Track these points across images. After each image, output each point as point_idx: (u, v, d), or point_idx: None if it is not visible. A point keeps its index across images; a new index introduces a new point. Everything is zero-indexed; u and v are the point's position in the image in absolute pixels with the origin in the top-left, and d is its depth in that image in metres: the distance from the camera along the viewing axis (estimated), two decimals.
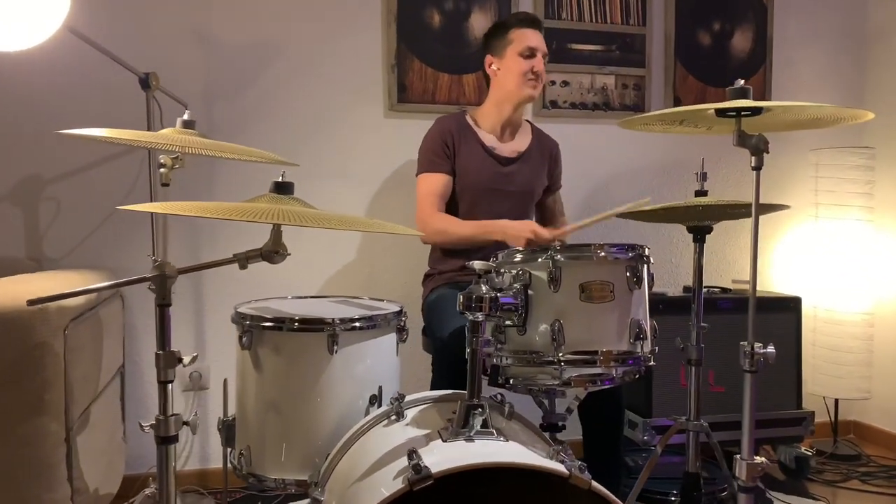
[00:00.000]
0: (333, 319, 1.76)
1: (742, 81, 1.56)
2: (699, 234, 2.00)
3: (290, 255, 1.53)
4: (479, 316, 1.38)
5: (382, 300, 2.10)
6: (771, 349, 1.57)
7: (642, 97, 3.24)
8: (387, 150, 2.97)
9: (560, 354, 1.41)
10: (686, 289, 3.06)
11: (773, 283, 3.48)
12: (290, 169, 2.87)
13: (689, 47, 3.30)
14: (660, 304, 2.89)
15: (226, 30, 2.81)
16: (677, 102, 3.28)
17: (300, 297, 2.13)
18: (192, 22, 2.78)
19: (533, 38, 2.46)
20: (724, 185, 3.38)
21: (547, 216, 2.71)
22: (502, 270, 1.53)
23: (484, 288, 1.40)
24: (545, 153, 2.65)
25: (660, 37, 3.26)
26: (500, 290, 1.47)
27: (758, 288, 3.42)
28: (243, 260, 1.51)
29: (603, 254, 1.48)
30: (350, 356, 1.79)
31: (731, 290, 3.13)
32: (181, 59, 2.76)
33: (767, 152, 1.56)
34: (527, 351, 1.47)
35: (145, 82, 2.42)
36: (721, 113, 1.58)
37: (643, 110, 3.25)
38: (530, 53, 2.45)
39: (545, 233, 2.24)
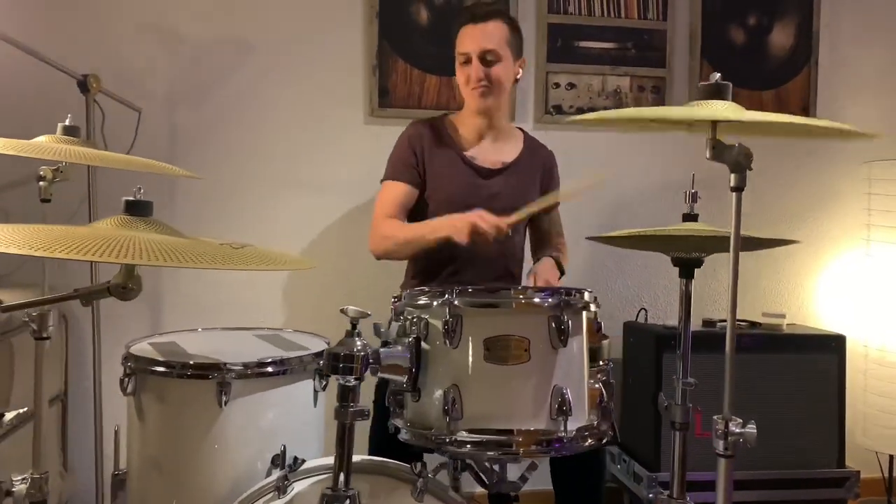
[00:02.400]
0: (224, 365, 1.46)
1: (718, 76, 1.19)
2: (686, 269, 1.63)
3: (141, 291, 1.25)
4: (351, 380, 1.06)
5: (312, 334, 1.79)
6: (752, 428, 1.20)
7: (661, 101, 2.84)
8: (367, 159, 2.63)
9: (453, 433, 1.08)
10: (706, 322, 2.65)
11: (818, 317, 3.02)
12: (256, 179, 2.71)
13: (718, 44, 2.89)
14: (671, 340, 2.50)
15: (191, 26, 2.57)
16: None
17: (214, 329, 1.84)
18: (153, 17, 2.55)
19: (468, 39, 2.13)
20: (761, 203, 2.94)
21: (542, 239, 2.36)
22: (404, 316, 1.20)
23: (358, 343, 1.08)
24: (537, 166, 2.29)
25: (683, 33, 2.86)
26: (387, 343, 1.14)
27: (799, 323, 3.07)
28: (86, 296, 1.23)
29: (521, 299, 1.14)
30: (247, 409, 1.49)
31: (760, 324, 2.70)
32: (139, 59, 2.54)
33: (750, 168, 1.19)
34: (420, 424, 1.14)
35: (83, 85, 2.20)
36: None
37: None
38: (465, 59, 2.12)
39: (493, 219, 1.91)
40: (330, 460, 1.43)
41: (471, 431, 1.08)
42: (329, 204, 2.67)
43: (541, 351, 1.10)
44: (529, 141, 2.32)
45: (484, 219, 1.91)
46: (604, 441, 1.20)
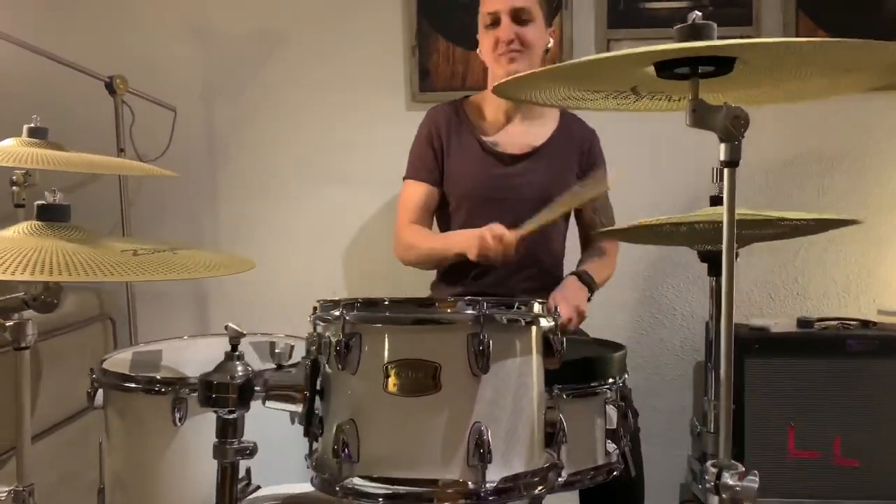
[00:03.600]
0: (179, 380, 1.34)
1: (697, 14, 0.89)
2: (715, 265, 1.31)
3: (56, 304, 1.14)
4: (223, 412, 0.89)
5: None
6: (752, 482, 0.90)
7: None
8: (409, 148, 2.49)
9: (345, 479, 0.88)
10: (802, 322, 2.24)
11: None
12: (296, 174, 2.60)
13: None
14: (756, 343, 2.14)
15: (222, 20, 2.50)
16: None
17: (212, 337, 1.73)
18: (184, 14, 2.50)
19: None
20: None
21: (586, 234, 2.09)
22: (319, 333, 1.01)
23: (239, 368, 0.90)
24: (574, 147, 2.02)
25: None
26: (280, 366, 0.96)
27: None
28: (2, 310, 1.14)
29: (433, 314, 0.91)
30: (206, 428, 1.36)
31: (875, 324, 2.26)
32: (170, 58, 2.49)
33: (741, 136, 0.89)
34: (321, 465, 0.95)
35: (110, 87, 2.18)
36: (667, 68, 0.93)
37: None
38: (492, 20, 1.86)
39: (499, 231, 1.68)
40: (283, 489, 1.29)
41: (366, 478, 0.87)
42: (371, 196, 2.52)
43: (455, 379, 0.87)
44: (566, 119, 2.04)
45: (492, 232, 1.68)
46: (554, 488, 0.95)
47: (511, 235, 1.69)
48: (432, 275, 2.10)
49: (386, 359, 0.88)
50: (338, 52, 2.50)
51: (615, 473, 1.27)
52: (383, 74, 2.50)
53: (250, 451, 0.91)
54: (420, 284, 2.15)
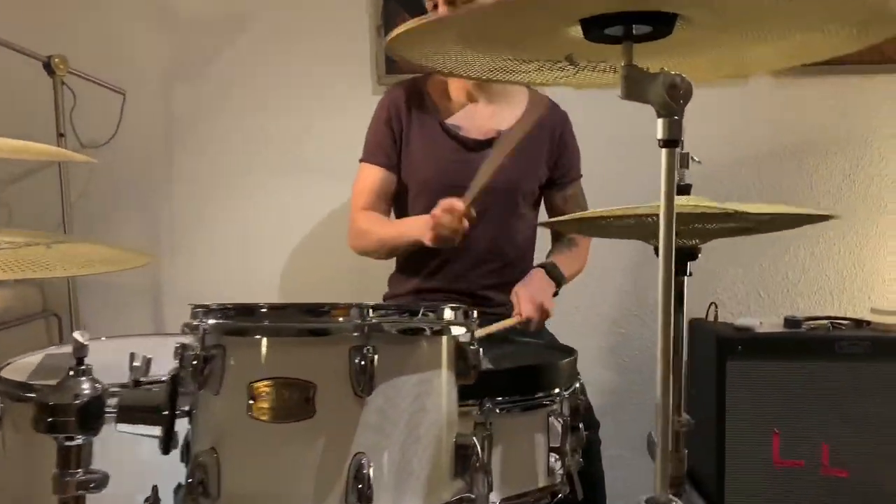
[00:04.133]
0: None
1: None
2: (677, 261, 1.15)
3: None
4: (62, 439, 0.75)
5: None
6: None
7: None
8: None
9: None
10: (789, 321, 2.08)
11: None
12: (259, 162, 2.34)
13: None
14: (739, 345, 1.99)
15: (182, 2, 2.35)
16: None
17: (123, 338, 1.58)
18: None
19: None
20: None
21: (555, 223, 1.93)
22: (184, 344, 0.86)
23: (85, 385, 0.76)
24: (544, 132, 1.86)
25: None
26: (137, 382, 0.82)
27: None
28: None
29: (310, 323, 0.76)
30: (107, 443, 1.22)
31: (869, 323, 2.10)
32: (124, 38, 2.34)
33: (681, 109, 0.74)
34: (184, 499, 0.80)
35: (48, 67, 2.04)
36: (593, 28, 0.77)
37: None
38: (433, 6, 1.72)
39: (452, 201, 1.57)
40: None
41: None
42: (338, 184, 2.37)
43: (334, 402, 0.72)
44: (535, 100, 1.88)
45: (441, 207, 1.54)
46: None
47: (460, 203, 1.55)
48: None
49: (251, 377, 0.73)
50: (301, 33, 2.34)
51: (559, 496, 1.13)
52: (348, 56, 2.34)
53: (97, 484, 0.77)
54: (385, 279, 2.01)
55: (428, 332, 0.80)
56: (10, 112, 2.16)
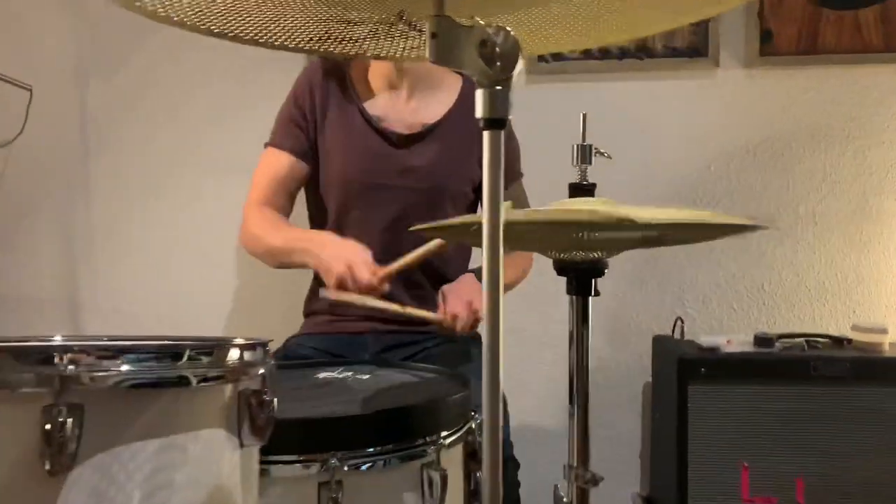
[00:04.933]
0: None
1: None
2: (578, 281, 0.93)
3: None
4: None
5: None
6: None
7: (705, 33, 2.07)
8: None
9: None
10: (760, 339, 1.86)
11: None
12: (174, 160, 2.05)
13: None
14: (701, 366, 1.77)
15: None
16: (767, 39, 2.07)
17: None
18: None
19: None
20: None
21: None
22: None
23: None
24: (477, 125, 1.64)
25: None
26: None
27: None
28: None
29: None
30: None
31: (850, 341, 1.88)
32: (31, 30, 2.15)
33: (500, 74, 0.53)
34: None
35: None
36: None
37: (705, 55, 2.08)
38: None
39: (364, 273, 1.34)
40: None
41: None
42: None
43: (18, 483, 0.52)
44: (468, 91, 1.67)
45: (354, 270, 1.35)
46: None
47: (378, 273, 1.36)
48: None
49: None
50: None
51: None
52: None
53: None
54: None
55: (192, 384, 0.59)
56: None
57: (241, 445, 0.65)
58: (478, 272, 1.54)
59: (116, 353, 0.58)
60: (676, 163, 2.13)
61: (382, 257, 1.51)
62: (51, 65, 2.13)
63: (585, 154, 0.89)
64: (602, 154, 0.92)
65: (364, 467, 0.87)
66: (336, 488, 0.84)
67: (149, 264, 2.19)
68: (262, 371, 0.66)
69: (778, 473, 1.75)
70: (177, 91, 2.18)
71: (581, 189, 0.89)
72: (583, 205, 0.89)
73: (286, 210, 1.63)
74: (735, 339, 1.89)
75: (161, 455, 0.57)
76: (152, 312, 2.19)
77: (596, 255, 0.88)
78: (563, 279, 0.90)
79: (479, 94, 0.56)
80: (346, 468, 0.85)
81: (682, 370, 1.79)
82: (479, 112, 0.57)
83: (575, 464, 0.92)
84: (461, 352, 1.56)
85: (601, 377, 2.16)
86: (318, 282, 1.70)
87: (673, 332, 2.05)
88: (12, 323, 2.15)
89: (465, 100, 1.65)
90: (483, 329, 0.59)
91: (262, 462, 0.86)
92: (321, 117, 1.60)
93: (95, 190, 2.19)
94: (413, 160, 1.60)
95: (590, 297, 0.91)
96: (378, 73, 1.61)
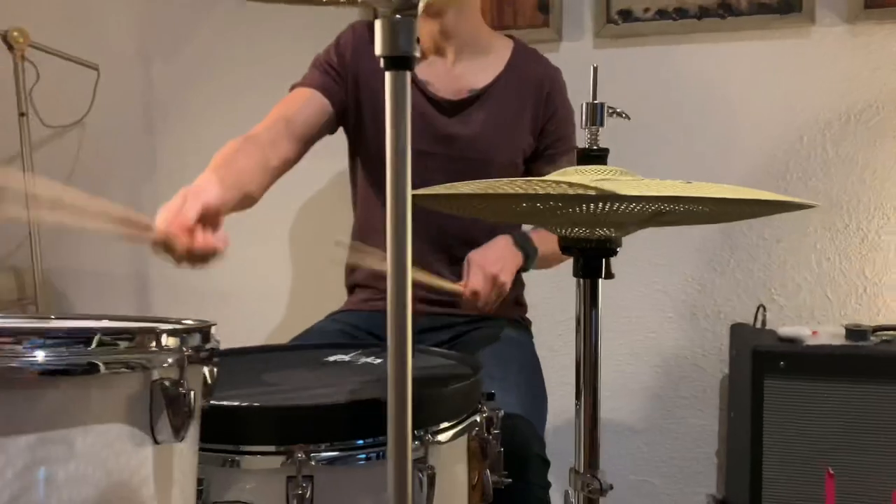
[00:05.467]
0: None
1: None
2: (585, 262, 0.79)
3: None
4: None
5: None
6: None
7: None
8: None
9: None
10: (852, 331, 1.63)
11: None
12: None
13: None
14: (780, 360, 1.58)
15: None
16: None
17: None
18: None
19: None
20: None
21: None
22: None
23: None
24: (528, 91, 1.53)
25: None
26: None
27: None
28: None
29: None
30: None
31: None
32: (96, 9, 2.18)
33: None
34: None
35: (6, 41, 1.91)
36: None
37: (799, 10, 1.85)
38: None
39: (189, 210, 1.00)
40: None
41: None
42: (330, 164, 2.13)
43: None
44: (520, 54, 1.55)
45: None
46: None
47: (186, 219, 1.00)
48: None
49: None
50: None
51: None
52: (345, 20, 2.08)
53: None
54: None
55: (85, 370, 0.53)
56: None
57: (156, 441, 0.58)
58: (518, 236, 1.41)
59: (20, 336, 0.52)
60: (764, 134, 1.91)
61: (424, 237, 1.42)
62: (116, 44, 2.16)
63: (596, 114, 0.76)
64: (620, 114, 0.78)
65: (336, 462, 0.79)
66: (304, 483, 0.77)
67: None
68: (178, 359, 0.58)
69: (869, 484, 1.55)
70: (240, 68, 2.16)
71: (590, 156, 0.76)
72: (597, 173, 0.76)
73: (293, 154, 1.40)
74: (823, 331, 1.68)
75: (38, 450, 0.51)
76: (216, 289, 2.20)
77: (603, 232, 0.75)
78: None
79: (378, 27, 0.45)
80: (313, 462, 0.78)
81: (758, 363, 1.61)
82: (379, 49, 0.46)
83: (582, 469, 0.80)
84: (503, 338, 1.46)
85: (676, 369, 2.00)
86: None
87: (755, 321, 1.85)
88: (84, 299, 2.22)
89: (516, 65, 1.53)
90: (388, 323, 0.49)
91: (230, 452, 0.80)
92: (364, 75, 1.48)
93: (161, 168, 2.22)
94: (456, 128, 1.50)
95: (596, 280, 0.78)
96: (428, 32, 1.50)
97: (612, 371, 2.00)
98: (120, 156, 2.20)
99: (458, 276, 1.37)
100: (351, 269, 1.63)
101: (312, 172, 1.91)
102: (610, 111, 0.77)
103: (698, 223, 0.90)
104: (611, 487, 0.79)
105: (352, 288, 1.62)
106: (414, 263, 1.41)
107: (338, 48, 1.50)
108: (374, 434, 0.81)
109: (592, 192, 0.56)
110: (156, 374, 0.57)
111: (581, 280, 0.79)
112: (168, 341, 0.59)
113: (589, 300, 0.79)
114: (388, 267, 0.53)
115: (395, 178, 0.50)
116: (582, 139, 0.78)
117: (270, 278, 2.20)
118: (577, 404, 0.80)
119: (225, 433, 0.80)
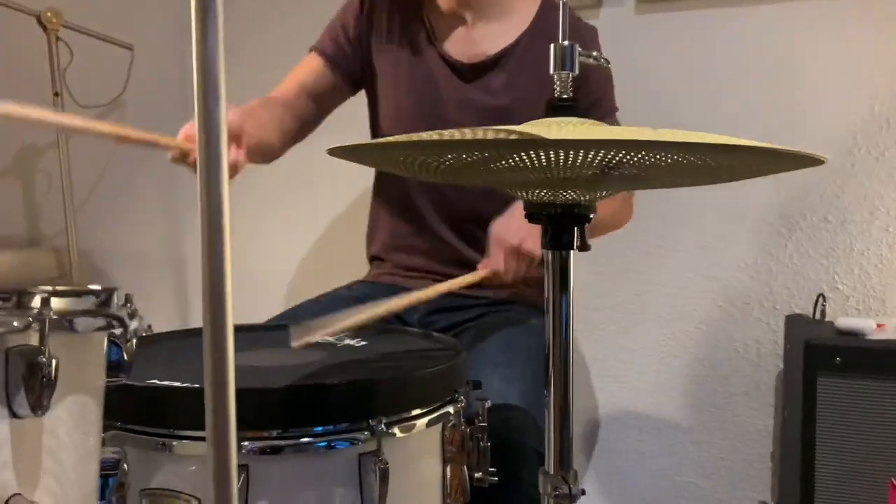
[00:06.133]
0: None
1: None
2: (553, 228, 0.68)
3: None
4: None
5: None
6: None
7: None
8: None
9: None
10: None
11: None
12: None
13: None
14: (839, 356, 1.41)
15: None
16: None
17: None
18: None
19: None
20: None
21: None
22: None
23: None
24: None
25: None
26: None
27: None
28: None
29: None
30: None
31: None
32: None
33: None
34: None
35: (40, 21, 1.92)
36: None
37: None
38: None
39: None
40: None
41: None
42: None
43: None
44: (546, 13, 1.43)
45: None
46: None
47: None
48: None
49: None
50: None
51: None
52: None
53: None
54: None
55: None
56: (3, 70, 2.09)
57: (13, 415, 0.51)
58: None
59: None
60: (828, 104, 1.72)
61: (435, 210, 1.41)
62: (151, 24, 2.15)
63: (565, 58, 0.64)
64: (597, 59, 0.67)
65: (270, 451, 0.72)
66: (238, 472, 0.69)
67: (259, 226, 2.17)
68: (38, 324, 0.51)
69: None
70: (276, 49, 2.11)
71: (557, 107, 0.65)
72: (564, 126, 0.65)
73: (308, 116, 1.45)
74: (891, 324, 1.49)
75: None
76: (247, 269, 2.17)
77: (569, 195, 0.64)
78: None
79: None
80: (245, 451, 0.70)
81: (810, 358, 1.44)
82: None
83: (552, 469, 0.70)
84: (519, 324, 1.35)
85: (727, 362, 1.83)
86: (373, 218, 1.57)
87: (814, 311, 1.68)
88: (121, 278, 2.23)
89: (541, 26, 1.42)
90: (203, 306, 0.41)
91: (161, 436, 0.74)
92: (381, 38, 1.43)
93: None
94: (474, 94, 1.40)
95: (570, 249, 0.67)
96: None
97: (657, 363, 1.86)
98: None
99: (480, 254, 1.28)
100: (370, 240, 1.57)
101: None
102: (585, 55, 0.66)
103: (684, 185, 0.76)
104: (582, 492, 0.68)
105: (371, 259, 1.58)
106: (429, 279, 1.32)
107: (356, 12, 1.45)
108: (316, 423, 0.73)
109: (514, 137, 0.46)
110: (11, 341, 0.51)
111: (550, 253, 0.68)
112: (33, 302, 0.52)
113: (559, 277, 0.68)
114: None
115: (207, 139, 0.40)
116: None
117: (301, 262, 2.16)
118: (545, 397, 0.69)
119: (156, 416, 0.73)
